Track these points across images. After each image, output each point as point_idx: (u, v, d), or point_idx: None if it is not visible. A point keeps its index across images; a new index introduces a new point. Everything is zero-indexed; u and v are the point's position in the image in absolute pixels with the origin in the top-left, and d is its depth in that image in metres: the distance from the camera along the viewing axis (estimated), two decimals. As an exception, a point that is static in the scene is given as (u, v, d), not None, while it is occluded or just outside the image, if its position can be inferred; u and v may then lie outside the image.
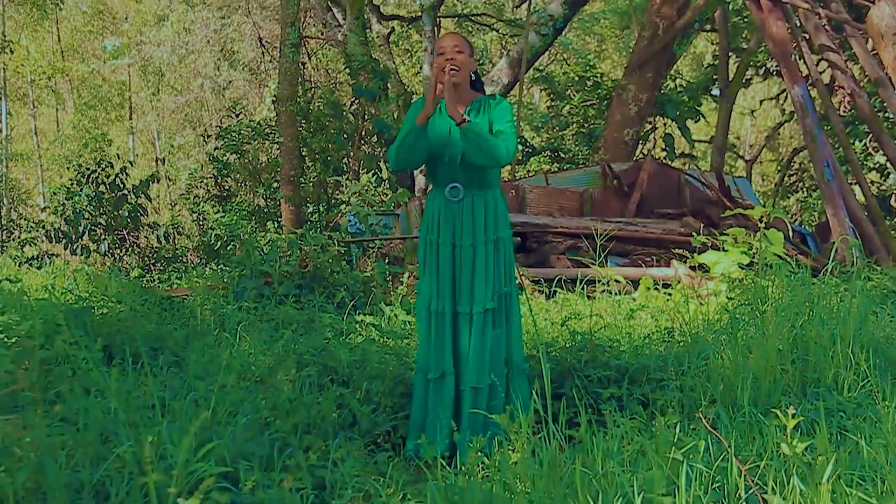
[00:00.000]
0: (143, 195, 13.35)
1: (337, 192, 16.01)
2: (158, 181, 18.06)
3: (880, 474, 3.15)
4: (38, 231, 13.13)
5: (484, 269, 4.23)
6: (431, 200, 4.36)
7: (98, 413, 3.56)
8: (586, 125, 20.22)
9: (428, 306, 4.26)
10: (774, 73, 20.24)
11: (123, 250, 13.01)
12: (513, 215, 10.83)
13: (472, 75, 4.39)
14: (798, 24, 11.63)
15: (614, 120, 14.98)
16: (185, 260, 13.61)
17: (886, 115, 14.88)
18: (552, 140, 21.06)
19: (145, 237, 13.50)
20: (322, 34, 19.25)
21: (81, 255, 12.80)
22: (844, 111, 13.75)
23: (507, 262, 4.35)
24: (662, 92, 17.21)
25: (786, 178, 24.67)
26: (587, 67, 21.15)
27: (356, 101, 16.67)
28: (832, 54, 11.14)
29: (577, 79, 20.73)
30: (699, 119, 19.35)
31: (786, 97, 21.06)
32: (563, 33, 22.03)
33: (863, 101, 10.93)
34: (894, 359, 4.79)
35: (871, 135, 15.48)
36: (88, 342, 4.06)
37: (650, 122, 18.98)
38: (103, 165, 13.16)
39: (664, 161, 16.27)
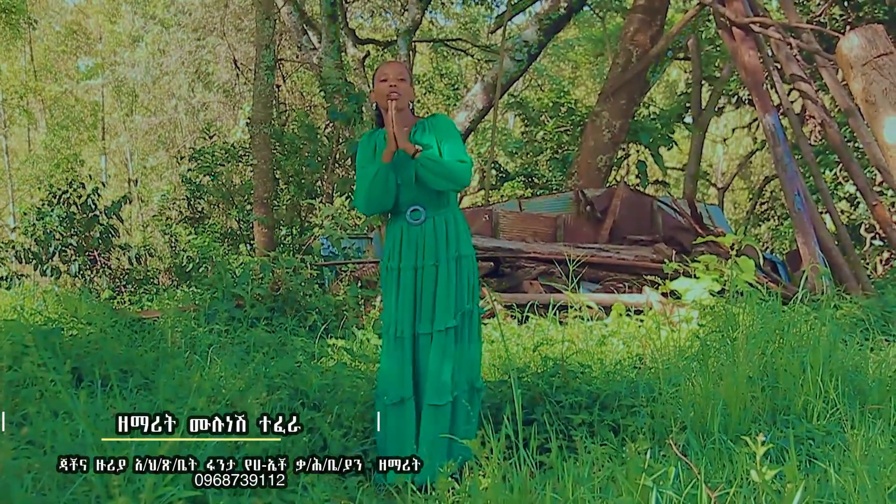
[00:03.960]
0: (114, 216, 13.26)
1: (310, 215, 15.98)
2: (131, 202, 17.98)
3: (848, 502, 3.17)
4: (7, 251, 13.01)
5: (446, 287, 4.22)
6: (392, 228, 4.35)
7: (66, 436, 3.53)
8: (560, 151, 20.34)
9: (389, 331, 4.26)
10: (746, 101, 20.41)
11: (94, 271, 12.91)
12: (486, 240, 10.85)
13: (410, 103, 4.42)
14: (770, 54, 11.75)
15: (588, 146, 15.06)
16: (156, 282, 13.53)
17: (856, 144, 15.01)
18: (526, 165, 21.17)
19: (116, 258, 13.41)
20: (297, 57, 19.30)
21: (51, 275, 12.69)
22: (815, 140, 13.90)
23: (470, 280, 4.34)
24: (636, 119, 17.34)
25: (757, 207, 24.88)
26: (561, 94, 21.31)
27: (331, 125, 16.64)
28: (803, 84, 11.25)
29: (551, 105, 20.87)
30: (672, 146, 19.52)
31: (758, 126, 21.31)
32: (538, 59, 22.17)
33: (833, 130, 11.03)
34: (863, 387, 4.82)
35: (841, 164, 15.63)
36: (57, 364, 4.03)
37: (623, 149, 19.10)
38: (75, 186, 13.07)
39: (637, 188, 16.36)
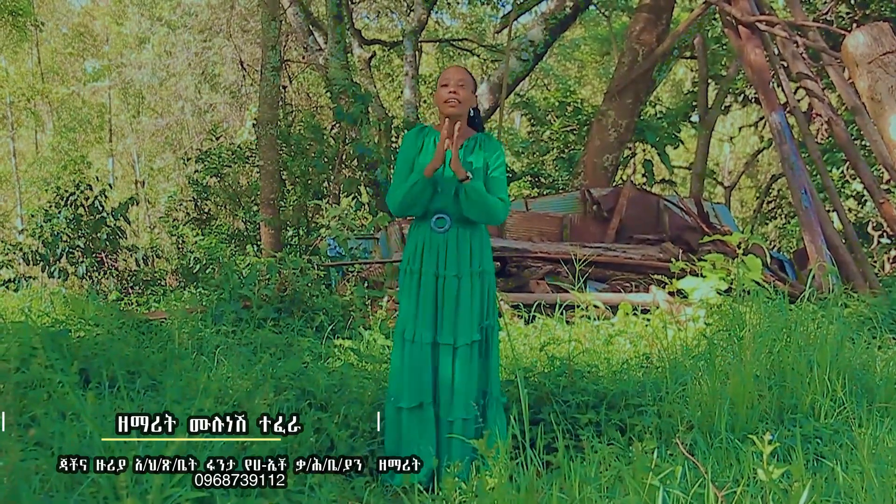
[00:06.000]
0: (121, 218, 13.29)
1: (317, 215, 15.99)
2: (137, 204, 18.01)
3: (856, 501, 3.16)
4: (15, 253, 13.02)
5: (469, 301, 4.21)
6: (414, 231, 4.33)
7: (73, 437, 3.53)
8: (566, 150, 20.31)
9: (403, 334, 4.24)
10: (753, 100, 20.37)
11: (101, 273, 12.93)
12: (493, 240, 10.82)
13: (472, 111, 4.39)
14: (776, 52, 11.72)
15: (594, 145, 15.05)
16: (163, 283, 13.53)
17: (863, 142, 14.98)
18: (532, 165, 21.13)
19: (124, 260, 13.43)
20: (303, 58, 19.30)
21: (59, 277, 12.71)
22: (822, 138, 13.87)
23: (491, 295, 4.34)
24: (642, 118, 17.31)
25: (764, 205, 24.81)
26: (567, 93, 21.27)
27: (337, 125, 16.66)
28: (809, 82, 11.22)
29: (557, 104, 20.84)
30: (678, 145, 19.49)
31: (764, 124, 21.21)
32: (544, 59, 22.15)
33: (840, 128, 11.00)
34: (870, 385, 4.82)
35: (847, 162, 15.58)
36: (65, 365, 4.04)
37: (630, 148, 19.10)
38: (82, 188, 13.09)
39: (643, 187, 16.34)
